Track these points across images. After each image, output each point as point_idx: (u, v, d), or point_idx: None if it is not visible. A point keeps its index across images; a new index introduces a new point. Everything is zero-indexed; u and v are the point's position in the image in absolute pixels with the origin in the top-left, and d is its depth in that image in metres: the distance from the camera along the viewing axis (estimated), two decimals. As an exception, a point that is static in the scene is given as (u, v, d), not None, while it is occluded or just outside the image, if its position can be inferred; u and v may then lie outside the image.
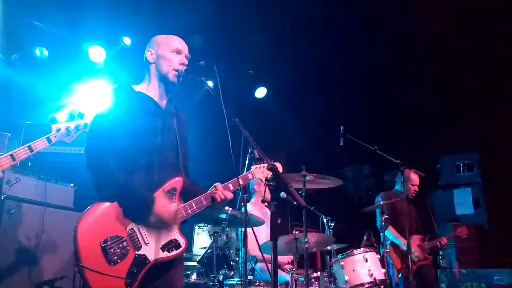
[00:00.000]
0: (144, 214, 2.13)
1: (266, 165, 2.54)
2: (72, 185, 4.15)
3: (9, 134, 3.84)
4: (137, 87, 2.44)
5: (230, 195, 2.38)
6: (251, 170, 2.58)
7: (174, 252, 2.19)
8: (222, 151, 2.31)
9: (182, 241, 2.23)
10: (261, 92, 7.41)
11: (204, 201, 2.31)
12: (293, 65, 6.83)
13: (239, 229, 4.60)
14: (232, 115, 2.22)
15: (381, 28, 6.09)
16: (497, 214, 6.50)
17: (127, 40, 6.01)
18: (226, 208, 3.83)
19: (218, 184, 2.39)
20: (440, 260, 5.79)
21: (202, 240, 5.87)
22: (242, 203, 3.87)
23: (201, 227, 6.03)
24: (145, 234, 2.14)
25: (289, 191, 2.09)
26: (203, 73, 2.37)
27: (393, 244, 4.96)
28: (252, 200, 4.99)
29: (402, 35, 6.09)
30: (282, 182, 2.11)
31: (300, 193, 3.93)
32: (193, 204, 2.28)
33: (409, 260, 4.07)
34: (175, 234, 2.23)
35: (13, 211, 3.43)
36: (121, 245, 2.06)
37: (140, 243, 2.11)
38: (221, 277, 3.89)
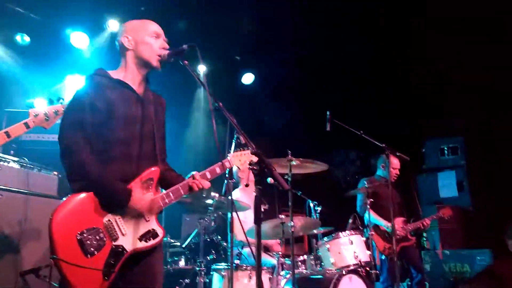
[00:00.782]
0: (120, 207, 2.12)
1: (243, 152, 2.54)
2: (56, 173, 4.07)
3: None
4: (114, 74, 2.33)
5: (207, 184, 2.36)
6: (228, 158, 2.55)
7: (152, 242, 2.19)
8: (208, 136, 2.28)
9: (160, 231, 2.23)
10: (248, 78, 7.37)
11: (181, 190, 2.31)
12: (279, 50, 6.79)
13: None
14: (215, 99, 2.16)
15: (366, 15, 6.08)
16: (480, 197, 6.63)
17: (113, 24, 5.83)
18: (213, 194, 3.83)
19: (195, 173, 2.37)
20: (424, 242, 5.90)
21: (190, 226, 5.88)
22: (227, 189, 3.88)
23: (189, 214, 6.04)
24: (122, 225, 2.12)
25: (273, 175, 2.07)
26: (186, 57, 2.31)
27: (375, 227, 5.04)
28: (240, 186, 5.01)
29: (387, 22, 6.09)
30: (265, 166, 2.09)
31: (286, 178, 3.94)
32: (171, 194, 2.28)
33: (393, 242, 4.14)
34: (153, 224, 2.22)
35: (-5, 200, 3.38)
36: (97, 237, 2.03)
37: (117, 234, 2.09)
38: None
